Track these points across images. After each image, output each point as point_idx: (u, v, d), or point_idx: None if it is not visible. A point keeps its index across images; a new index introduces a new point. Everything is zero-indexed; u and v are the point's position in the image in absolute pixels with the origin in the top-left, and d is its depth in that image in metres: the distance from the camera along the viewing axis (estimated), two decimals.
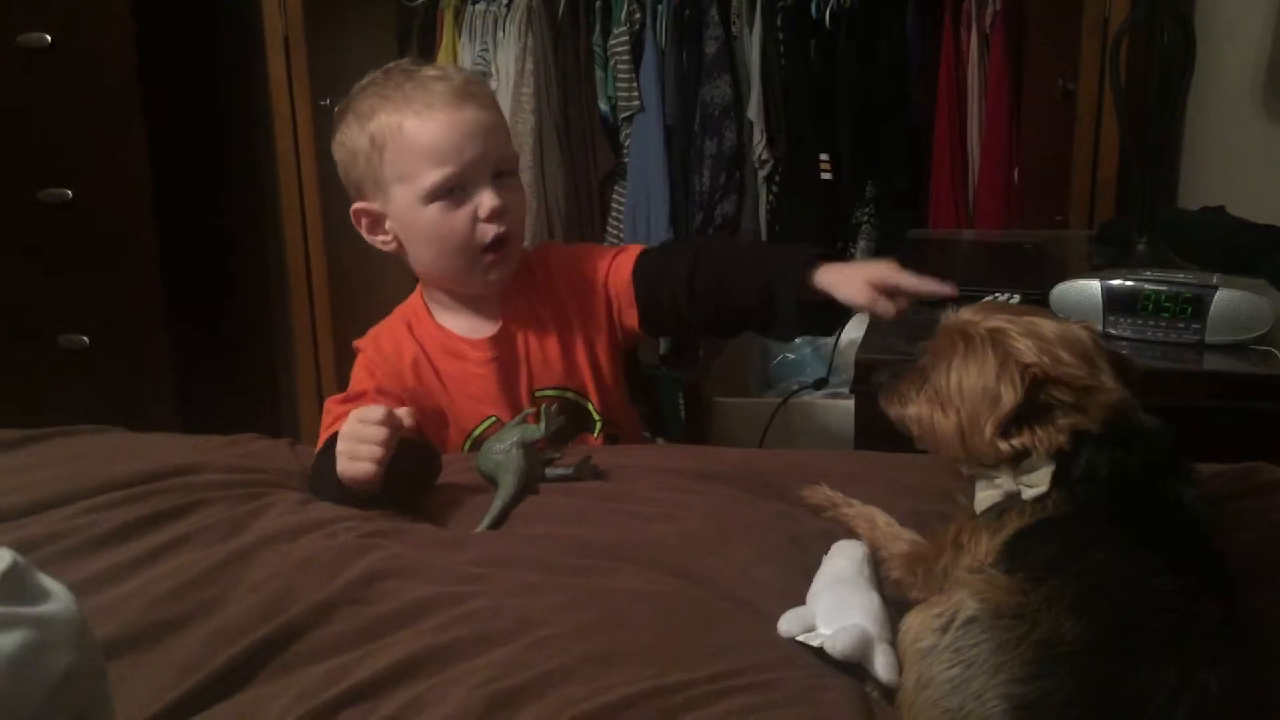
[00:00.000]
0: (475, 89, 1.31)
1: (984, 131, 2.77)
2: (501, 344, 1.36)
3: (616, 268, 1.40)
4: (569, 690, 0.78)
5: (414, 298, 1.44)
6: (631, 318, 1.39)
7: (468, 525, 1.07)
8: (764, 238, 2.93)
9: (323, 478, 1.17)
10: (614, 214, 2.99)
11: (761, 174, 2.91)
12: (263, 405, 2.91)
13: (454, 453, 1.34)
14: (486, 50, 3.07)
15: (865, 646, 0.83)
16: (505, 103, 3.00)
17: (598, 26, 2.97)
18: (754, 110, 2.86)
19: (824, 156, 2.90)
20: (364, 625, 0.87)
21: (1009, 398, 0.88)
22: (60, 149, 2.50)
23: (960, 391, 0.91)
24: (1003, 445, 0.89)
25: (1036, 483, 0.89)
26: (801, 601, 0.90)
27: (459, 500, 1.13)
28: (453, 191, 1.28)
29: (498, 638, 0.84)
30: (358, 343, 1.42)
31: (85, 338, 2.58)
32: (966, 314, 0.96)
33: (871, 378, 1.03)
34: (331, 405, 1.32)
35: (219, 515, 1.07)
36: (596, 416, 1.40)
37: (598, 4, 2.97)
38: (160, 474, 1.17)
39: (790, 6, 2.84)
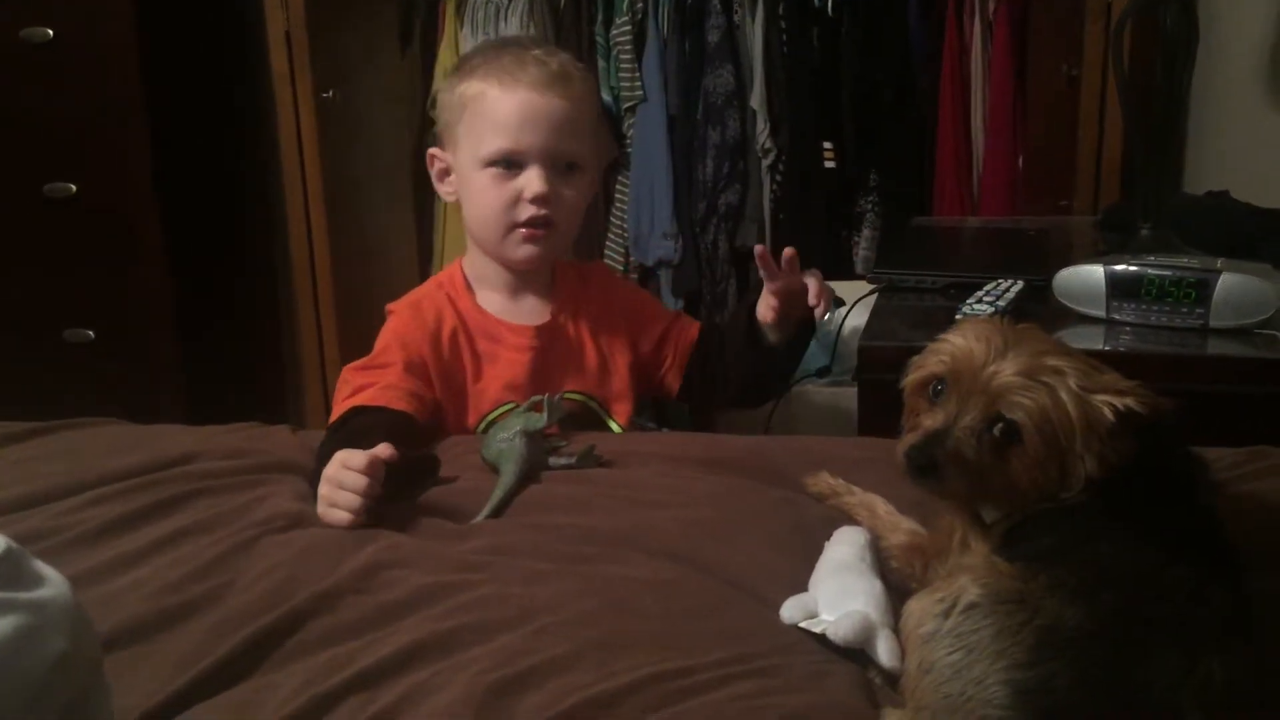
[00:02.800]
0: (569, 81, 1.36)
1: (988, 118, 2.76)
2: (546, 336, 1.41)
3: (681, 329, 1.49)
4: (572, 677, 0.79)
5: (453, 270, 1.47)
6: (675, 381, 1.48)
7: (471, 514, 1.07)
8: (768, 226, 2.93)
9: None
10: (618, 204, 2.99)
11: (765, 163, 2.90)
12: (267, 399, 2.92)
13: (464, 434, 1.35)
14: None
15: (867, 632, 0.84)
16: None
17: (600, 17, 2.97)
18: (757, 99, 2.85)
19: (827, 145, 2.89)
20: (367, 614, 0.87)
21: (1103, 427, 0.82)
22: (64, 144, 2.50)
23: (1046, 435, 0.83)
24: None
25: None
26: (805, 588, 0.90)
27: (463, 488, 1.13)
28: (508, 166, 1.34)
29: (501, 625, 0.85)
30: (391, 306, 1.45)
31: (90, 332, 2.58)
32: (999, 365, 0.85)
33: (909, 464, 0.87)
34: (350, 374, 1.34)
35: (220, 504, 1.08)
36: (617, 429, 1.42)
37: None
38: (160, 464, 1.17)
39: None
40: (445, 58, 3.12)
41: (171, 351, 2.59)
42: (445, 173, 1.44)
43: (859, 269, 2.83)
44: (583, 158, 1.39)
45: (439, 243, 3.30)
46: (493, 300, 1.43)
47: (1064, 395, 0.82)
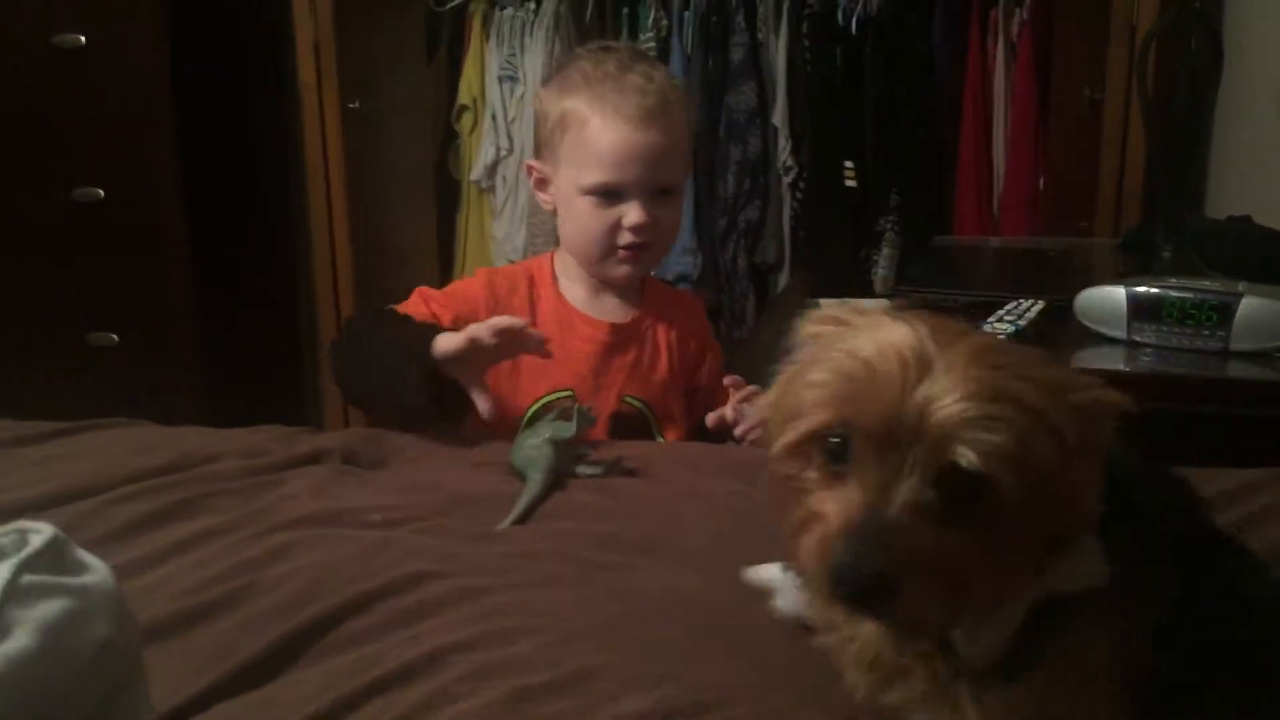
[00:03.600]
0: (669, 111, 1.38)
1: (1010, 139, 2.77)
2: (622, 336, 1.44)
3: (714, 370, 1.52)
4: (594, 686, 0.79)
5: (544, 259, 1.51)
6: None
7: (497, 519, 1.08)
8: (787, 243, 2.94)
9: (376, 340, 1.28)
10: None
11: (786, 180, 2.92)
12: (288, 402, 2.94)
13: (511, 411, 1.38)
14: (514, 55, 3.09)
15: None
16: (531, 109, 3.02)
17: (624, 32, 2.99)
18: (779, 117, 2.87)
19: (848, 163, 2.91)
20: (392, 617, 0.88)
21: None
22: (93, 149, 2.53)
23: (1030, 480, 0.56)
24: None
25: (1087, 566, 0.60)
26: None
27: (489, 494, 1.13)
28: (608, 195, 1.37)
29: (525, 631, 0.85)
30: (479, 270, 1.49)
31: (114, 335, 2.61)
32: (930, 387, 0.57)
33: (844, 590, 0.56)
34: (423, 290, 1.41)
35: (245, 504, 1.09)
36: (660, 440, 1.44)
37: (624, 10, 2.99)
38: (186, 464, 1.18)
39: (816, 14, 2.85)
40: (470, 70, 3.15)
41: (194, 355, 2.61)
42: (543, 182, 1.46)
43: (877, 288, 2.84)
44: (678, 181, 1.43)
45: (460, 249, 3.32)
46: (575, 292, 1.47)
47: (1040, 411, 0.56)
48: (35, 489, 1.13)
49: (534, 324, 1.39)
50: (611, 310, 1.46)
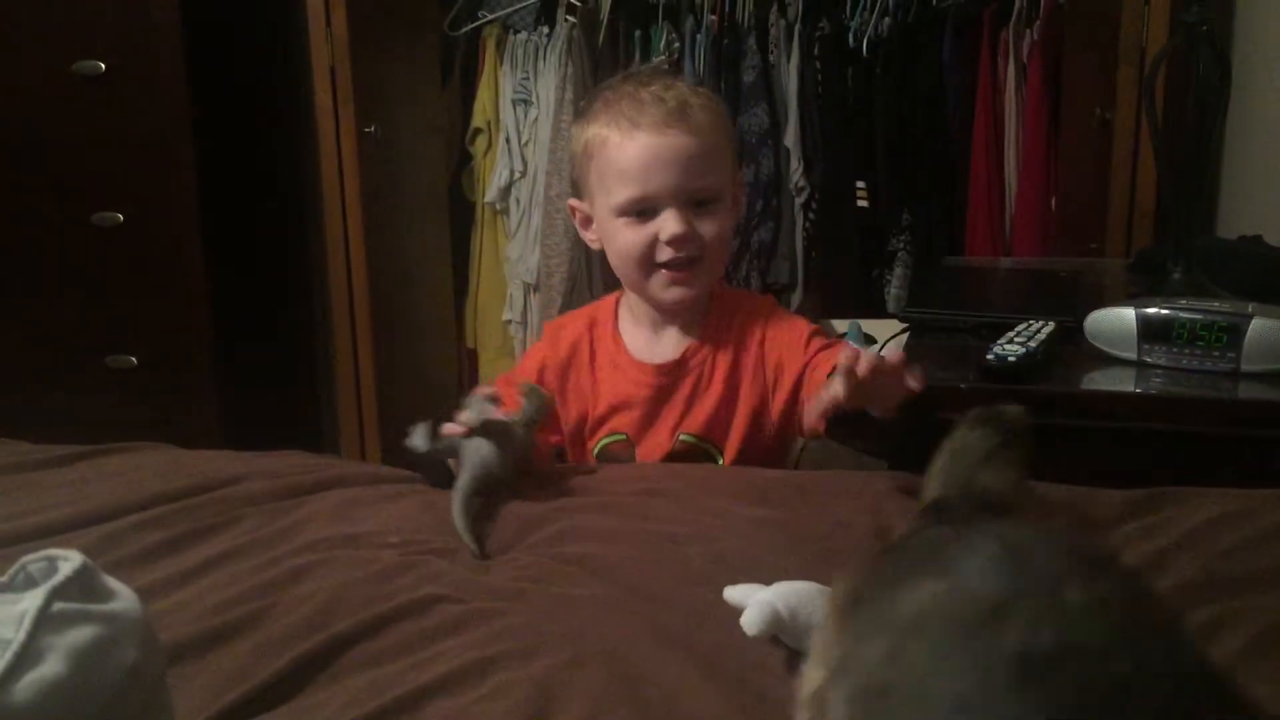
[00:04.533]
0: (687, 114, 1.32)
1: (1021, 160, 2.78)
2: (669, 375, 1.39)
3: (814, 367, 1.35)
4: (606, 707, 0.80)
5: (610, 298, 1.48)
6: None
7: (514, 542, 1.09)
8: (800, 264, 2.95)
9: None
10: None
11: (798, 201, 2.93)
12: (305, 427, 2.96)
13: (582, 460, 1.41)
14: (528, 79, 3.12)
15: (776, 625, 0.84)
16: (545, 131, 3.04)
17: (637, 55, 3.01)
18: (791, 138, 2.89)
19: (860, 184, 2.92)
20: (408, 638, 0.89)
21: None
22: (113, 174, 2.56)
23: None
24: None
25: None
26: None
27: (505, 516, 1.14)
28: (643, 212, 1.33)
29: (538, 653, 0.86)
30: (546, 325, 1.50)
31: (133, 358, 2.63)
32: None
33: None
34: (501, 378, 1.43)
35: (265, 527, 1.10)
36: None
37: (637, 33, 3.01)
38: (206, 487, 1.20)
39: (827, 36, 2.87)
40: (484, 93, 3.18)
41: (211, 377, 2.64)
42: (587, 221, 1.42)
43: (891, 308, 2.85)
44: (716, 189, 1.35)
45: (474, 271, 3.34)
46: (634, 333, 1.43)
47: None
48: (61, 511, 1.15)
49: (592, 372, 1.41)
50: (665, 348, 1.41)
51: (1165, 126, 1.70)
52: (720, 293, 1.45)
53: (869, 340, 1.99)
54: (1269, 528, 1.05)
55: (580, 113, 1.42)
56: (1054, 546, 0.55)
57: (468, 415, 1.18)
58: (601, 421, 1.40)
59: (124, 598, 0.53)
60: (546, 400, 1.20)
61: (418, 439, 1.19)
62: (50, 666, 0.47)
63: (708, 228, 1.34)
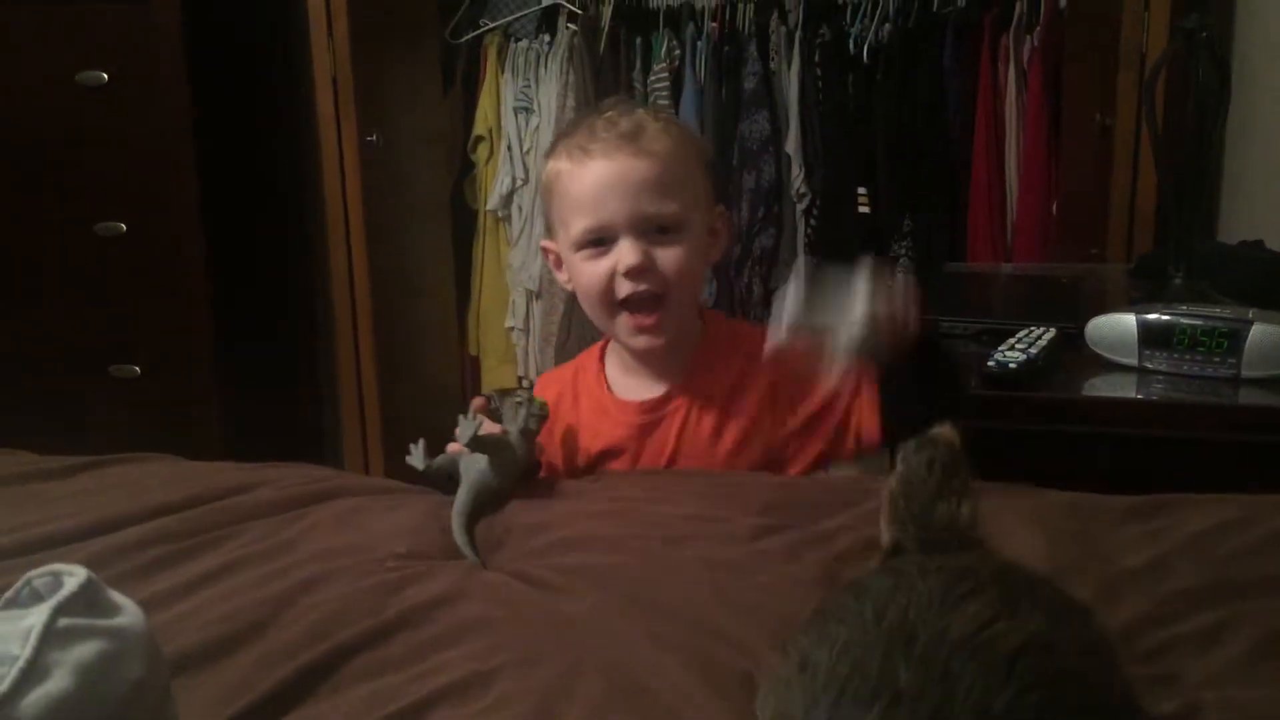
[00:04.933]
0: (644, 138, 1.24)
1: (1022, 165, 2.79)
2: (648, 413, 1.32)
3: (861, 421, 1.28)
4: (607, 716, 0.80)
5: (598, 344, 1.41)
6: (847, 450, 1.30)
7: (519, 550, 1.09)
8: (801, 271, 2.95)
9: None
10: None
11: (800, 207, 2.94)
12: (308, 434, 2.96)
13: None
14: (529, 86, 3.13)
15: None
16: (547, 138, 3.05)
17: (638, 63, 3.02)
18: (792, 144, 2.90)
19: (862, 190, 2.93)
20: (409, 649, 0.90)
21: None
22: (115, 184, 2.57)
23: None
24: None
25: None
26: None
27: (510, 525, 1.15)
28: (600, 243, 1.25)
29: (538, 663, 0.87)
30: (537, 381, 1.45)
31: (136, 368, 2.64)
32: None
33: None
34: None
35: (268, 538, 1.11)
36: None
37: (638, 41, 3.02)
38: (210, 497, 1.20)
39: (828, 42, 2.87)
40: (486, 101, 3.19)
41: (215, 385, 2.64)
42: (559, 262, 1.34)
43: None
44: (677, 217, 1.25)
45: (476, 278, 3.35)
46: (619, 374, 1.36)
47: None
48: (65, 523, 1.15)
49: (577, 417, 1.34)
50: (649, 386, 1.33)
51: (1165, 131, 1.70)
52: (714, 324, 1.38)
53: None
54: (1270, 533, 1.05)
55: (545, 154, 1.35)
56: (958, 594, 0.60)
57: (462, 430, 1.16)
58: (590, 468, 1.33)
59: (129, 612, 0.53)
60: (542, 407, 1.18)
61: (416, 458, 1.19)
62: (56, 682, 0.47)
63: (668, 259, 1.24)
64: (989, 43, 2.82)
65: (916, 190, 2.92)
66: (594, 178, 1.24)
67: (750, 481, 1.26)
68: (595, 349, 1.41)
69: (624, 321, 1.27)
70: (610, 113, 1.28)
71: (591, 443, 1.33)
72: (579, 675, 0.85)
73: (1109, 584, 0.97)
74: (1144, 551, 1.02)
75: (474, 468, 1.16)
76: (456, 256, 3.36)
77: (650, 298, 1.25)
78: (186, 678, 0.87)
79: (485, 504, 1.15)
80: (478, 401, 1.23)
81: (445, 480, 1.20)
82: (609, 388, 1.35)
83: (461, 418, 1.19)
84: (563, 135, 1.32)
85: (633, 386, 1.34)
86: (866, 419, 1.27)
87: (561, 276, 1.35)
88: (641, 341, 1.28)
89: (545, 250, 1.38)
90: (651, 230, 1.24)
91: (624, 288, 1.25)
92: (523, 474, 1.21)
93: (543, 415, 1.18)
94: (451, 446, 1.19)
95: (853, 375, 1.24)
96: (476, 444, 1.15)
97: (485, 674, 0.86)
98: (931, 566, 0.64)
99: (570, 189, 1.26)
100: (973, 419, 1.37)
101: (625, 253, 1.23)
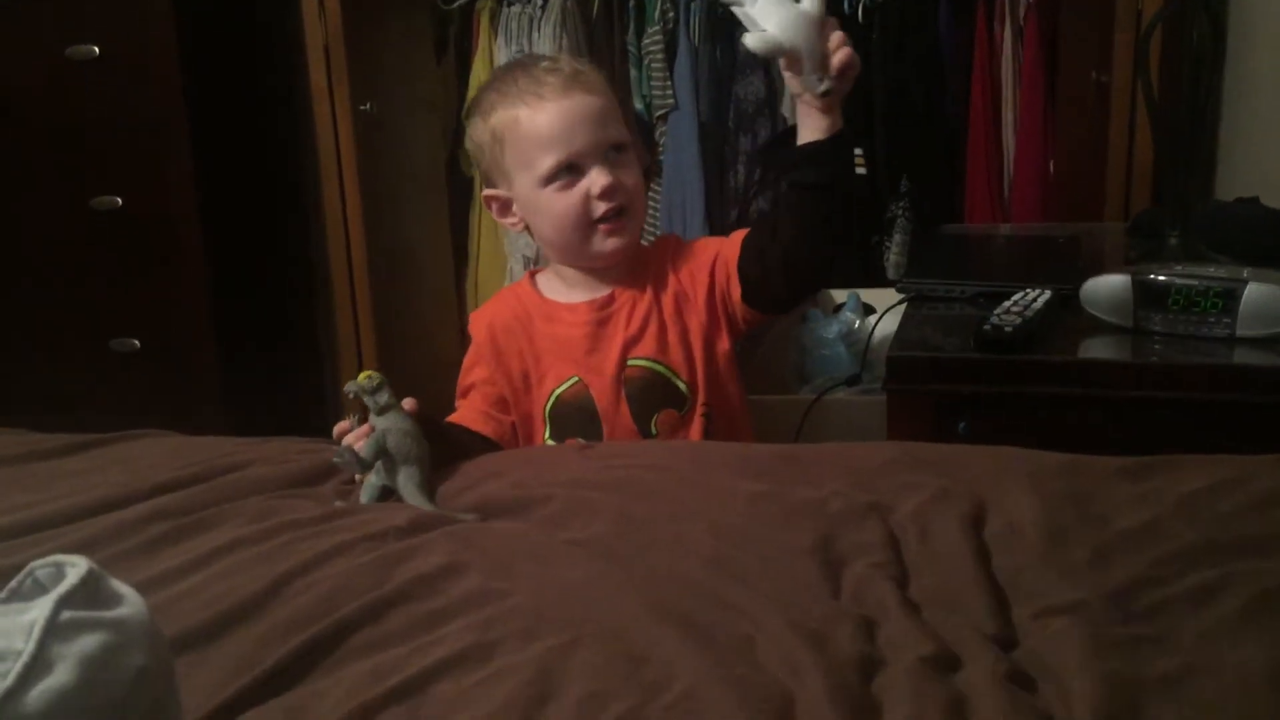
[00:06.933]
0: (584, 77, 1.42)
1: (1019, 124, 2.78)
2: (599, 310, 1.46)
3: (729, 243, 1.47)
4: (607, 687, 0.81)
5: (519, 281, 1.56)
6: (735, 293, 1.44)
7: (523, 525, 1.10)
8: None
9: None
10: (650, 211, 3.02)
11: None
12: (307, 408, 2.98)
13: (536, 414, 1.47)
14: (522, 51, 3.11)
15: None
16: None
17: (631, 26, 3.01)
18: (788, 106, 2.88)
19: (858, 151, 2.90)
20: (411, 622, 0.91)
21: None
22: (110, 158, 2.58)
23: None
24: None
25: None
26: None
27: (514, 500, 1.15)
28: (569, 172, 1.39)
29: (537, 635, 0.88)
30: (470, 327, 1.53)
31: (136, 341, 2.65)
32: None
33: None
34: (457, 400, 1.52)
35: (270, 512, 1.11)
36: (685, 392, 1.45)
37: (631, 4, 3.00)
38: (212, 473, 1.21)
39: (824, 3, 2.85)
40: (479, 67, 3.17)
41: (213, 359, 2.66)
42: (506, 207, 1.48)
43: (890, 274, 2.85)
44: (626, 138, 1.44)
45: (474, 245, 3.35)
46: (560, 292, 1.50)
47: None
48: (67, 502, 1.16)
49: (527, 329, 1.48)
50: (590, 291, 1.47)
51: (1161, 90, 1.70)
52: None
53: (868, 310, 1.99)
54: (1264, 493, 1.06)
55: (473, 115, 1.47)
56: None
57: (342, 426, 1.27)
58: (547, 372, 1.46)
59: (130, 602, 0.54)
60: (370, 378, 1.21)
61: (353, 464, 1.19)
62: (59, 676, 0.48)
63: (627, 176, 1.42)
64: (984, 1, 2.80)
65: (914, 150, 2.91)
66: (557, 116, 1.38)
67: (744, 449, 1.27)
68: (518, 284, 1.56)
69: (599, 234, 1.42)
70: (543, 63, 1.43)
71: (545, 349, 1.46)
72: (578, 646, 0.86)
73: (1103, 545, 0.98)
74: (1138, 512, 1.03)
75: (399, 445, 1.17)
76: (453, 224, 3.35)
77: (619, 210, 1.41)
78: (189, 656, 0.88)
79: (427, 475, 1.18)
80: (341, 426, 1.29)
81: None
82: (555, 302, 1.49)
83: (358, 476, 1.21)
84: (494, 94, 1.43)
85: (577, 295, 1.48)
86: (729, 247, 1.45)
87: (510, 220, 1.49)
88: (613, 243, 1.43)
89: (489, 200, 1.50)
90: (611, 153, 1.41)
91: (599, 208, 1.40)
92: (427, 433, 1.22)
93: (380, 384, 1.21)
94: (348, 438, 1.25)
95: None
96: (380, 454, 1.17)
97: (485, 645, 0.87)
98: None
99: (532, 130, 1.39)
100: (968, 383, 1.39)
101: (598, 177, 1.39)
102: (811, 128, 1.39)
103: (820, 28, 1.31)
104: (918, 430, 1.39)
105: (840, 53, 1.34)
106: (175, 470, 1.22)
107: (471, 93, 3.22)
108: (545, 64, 1.43)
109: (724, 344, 1.47)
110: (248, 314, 2.75)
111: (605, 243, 1.42)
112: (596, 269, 1.47)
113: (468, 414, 1.47)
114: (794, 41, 1.29)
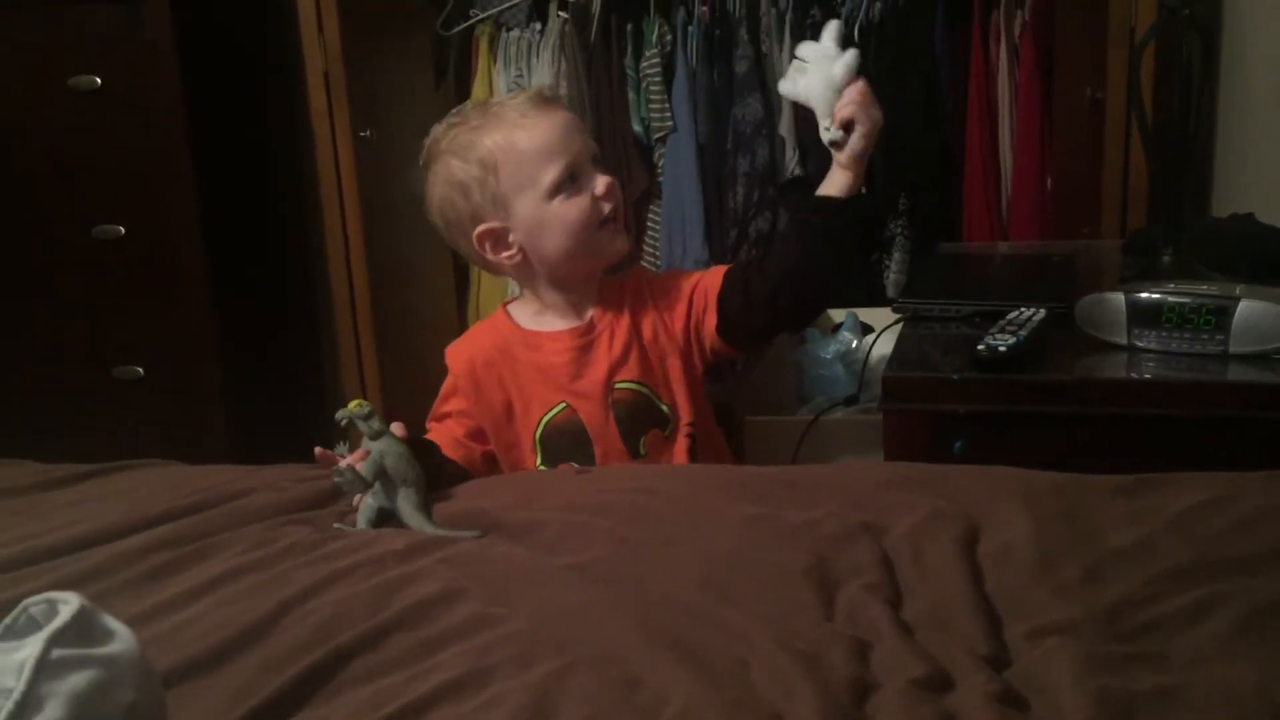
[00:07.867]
0: (552, 95, 1.54)
1: (1015, 142, 2.79)
2: (581, 336, 1.49)
3: (710, 274, 1.51)
4: (603, 710, 0.82)
5: (490, 317, 1.58)
6: (710, 323, 1.48)
7: (519, 549, 1.11)
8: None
9: None
10: (650, 233, 3.03)
11: None
12: (311, 435, 2.98)
13: (524, 442, 1.48)
14: (521, 76, 3.13)
15: None
16: None
17: (629, 49, 3.02)
18: (785, 127, 2.90)
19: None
20: (408, 649, 0.91)
21: None
22: (112, 187, 2.59)
23: None
24: None
25: None
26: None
27: (516, 523, 1.16)
28: (572, 181, 1.43)
29: (534, 660, 0.88)
30: (449, 359, 1.53)
31: (139, 369, 2.66)
32: None
33: None
34: (430, 419, 1.53)
35: (269, 541, 1.12)
36: (667, 413, 1.48)
37: (629, 27, 3.02)
38: (212, 502, 1.22)
39: (819, 24, 2.86)
40: (479, 92, 3.19)
41: (217, 386, 2.66)
42: (501, 240, 1.47)
43: (889, 292, 2.86)
44: (597, 148, 1.51)
45: (475, 272, 3.36)
46: (536, 322, 1.52)
47: None
48: (68, 532, 1.17)
49: (510, 360, 1.49)
50: (566, 319, 1.50)
51: (1156, 107, 1.71)
52: (603, 279, 1.56)
53: (866, 329, 2.00)
54: (1256, 510, 1.06)
55: (432, 168, 1.49)
56: None
57: (321, 451, 1.27)
58: (532, 400, 1.47)
59: (121, 638, 0.55)
60: (360, 405, 1.23)
61: (355, 483, 1.20)
62: (50, 713, 0.49)
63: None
64: (980, 20, 2.82)
65: (912, 169, 2.91)
66: (548, 128, 1.43)
67: (739, 472, 1.28)
68: (493, 317, 1.57)
69: (607, 234, 1.47)
70: (517, 96, 1.48)
71: (529, 378, 1.47)
72: (573, 670, 0.86)
73: (1096, 564, 0.98)
74: (1131, 531, 1.03)
75: (396, 467, 1.19)
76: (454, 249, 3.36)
77: (618, 209, 1.47)
78: (190, 685, 0.89)
79: (425, 496, 1.20)
80: (321, 451, 1.29)
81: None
82: (533, 331, 1.51)
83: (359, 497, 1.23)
84: (470, 133, 1.45)
85: (558, 323, 1.51)
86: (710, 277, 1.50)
87: (507, 253, 1.47)
88: (620, 242, 1.49)
89: (481, 238, 1.46)
90: (595, 160, 1.48)
91: (606, 206, 1.46)
92: (417, 453, 1.25)
93: (371, 411, 1.23)
94: (345, 461, 1.24)
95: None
96: (379, 473, 1.19)
97: (482, 671, 0.87)
98: None
99: (530, 147, 1.42)
100: (964, 402, 1.39)
101: (600, 179, 1.45)
102: (831, 183, 1.46)
103: (841, 85, 1.40)
104: (914, 450, 1.39)
105: (844, 108, 1.41)
106: (176, 499, 1.23)
107: None
108: (509, 95, 1.51)
109: (697, 370, 1.51)
110: (250, 342, 2.76)
111: (614, 241, 1.47)
112: (588, 290, 1.50)
113: (441, 438, 1.47)
114: (807, 95, 1.41)
